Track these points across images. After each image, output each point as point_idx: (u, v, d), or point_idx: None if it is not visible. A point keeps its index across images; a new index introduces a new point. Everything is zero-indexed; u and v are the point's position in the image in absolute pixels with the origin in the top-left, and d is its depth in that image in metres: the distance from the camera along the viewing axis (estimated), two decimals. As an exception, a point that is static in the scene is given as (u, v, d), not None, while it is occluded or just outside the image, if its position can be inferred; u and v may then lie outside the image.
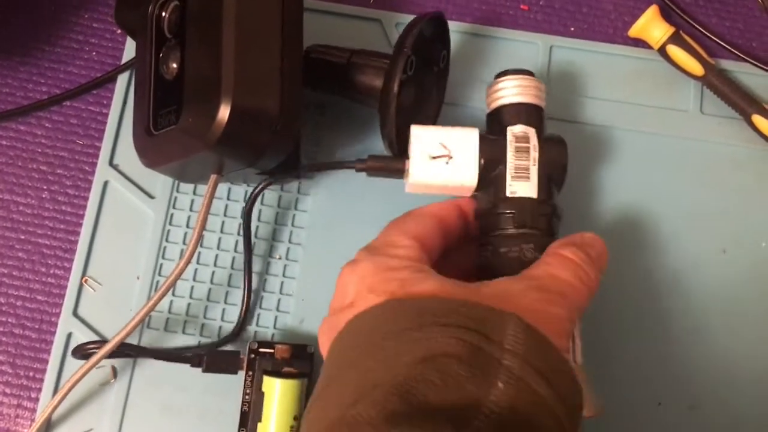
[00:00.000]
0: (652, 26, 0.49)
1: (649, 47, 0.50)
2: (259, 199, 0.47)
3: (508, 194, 0.40)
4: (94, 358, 0.41)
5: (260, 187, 0.45)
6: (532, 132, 0.41)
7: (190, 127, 0.38)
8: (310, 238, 0.47)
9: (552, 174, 0.41)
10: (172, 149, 0.40)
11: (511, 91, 0.42)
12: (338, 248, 0.46)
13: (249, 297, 0.45)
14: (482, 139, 0.41)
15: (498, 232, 0.40)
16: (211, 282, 0.46)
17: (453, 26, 0.49)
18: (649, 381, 0.45)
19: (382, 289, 0.35)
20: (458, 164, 0.41)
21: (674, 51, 0.48)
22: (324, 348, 0.36)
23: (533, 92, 0.42)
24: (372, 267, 0.36)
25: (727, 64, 0.50)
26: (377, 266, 0.36)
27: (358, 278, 0.36)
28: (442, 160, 0.41)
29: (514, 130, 0.41)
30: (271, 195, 0.47)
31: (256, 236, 0.47)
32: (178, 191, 0.47)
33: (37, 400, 0.44)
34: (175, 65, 0.40)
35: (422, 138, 0.41)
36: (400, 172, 0.42)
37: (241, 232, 0.47)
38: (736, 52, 0.49)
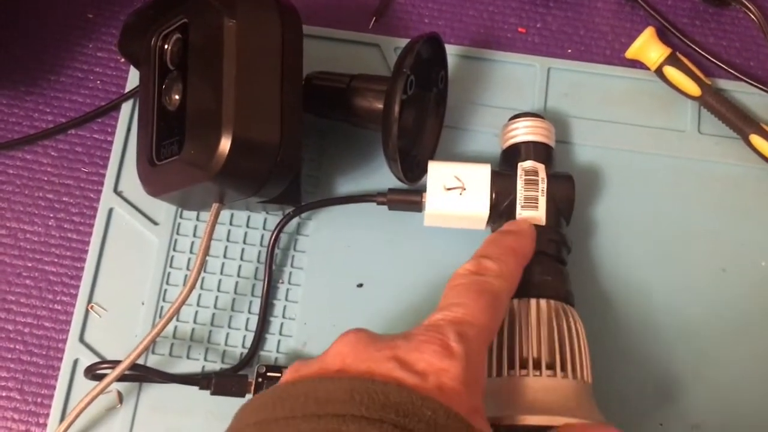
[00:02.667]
0: (648, 48, 0.49)
1: (646, 68, 0.50)
2: (260, 223, 0.48)
3: None
4: (106, 380, 0.41)
5: (282, 221, 0.47)
6: (541, 167, 0.44)
7: (192, 159, 0.38)
8: (312, 262, 0.47)
9: (560, 207, 0.43)
10: (175, 179, 0.41)
11: (522, 131, 0.45)
12: (340, 271, 0.47)
13: (263, 324, 0.46)
14: (494, 173, 0.44)
15: None
16: (215, 307, 0.47)
17: (451, 49, 0.50)
18: (650, 401, 0.45)
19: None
20: (471, 195, 0.44)
21: (671, 72, 0.49)
22: None
23: (543, 132, 0.45)
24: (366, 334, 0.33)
25: (725, 84, 0.50)
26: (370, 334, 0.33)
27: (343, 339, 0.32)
28: (456, 191, 0.43)
29: (524, 165, 0.44)
30: (273, 220, 0.48)
31: (258, 261, 0.47)
32: (181, 217, 0.48)
33: (45, 425, 0.45)
34: (177, 97, 0.41)
35: (438, 172, 0.44)
36: (418, 205, 0.45)
37: (244, 257, 0.47)
38: (733, 71, 0.50)
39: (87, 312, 0.46)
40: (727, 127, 0.49)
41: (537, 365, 0.39)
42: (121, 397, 0.45)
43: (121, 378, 0.42)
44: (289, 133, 0.39)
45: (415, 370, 0.30)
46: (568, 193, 0.44)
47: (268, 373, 0.44)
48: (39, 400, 0.45)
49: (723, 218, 0.48)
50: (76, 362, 0.45)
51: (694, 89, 0.49)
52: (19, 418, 0.45)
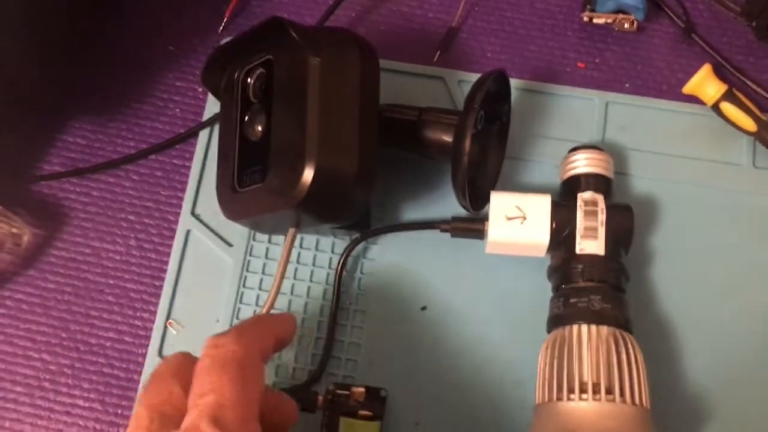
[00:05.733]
0: (705, 84, 0.51)
1: (702, 103, 0.52)
2: (329, 247, 0.50)
3: (577, 251, 0.44)
4: None
5: (350, 246, 0.49)
6: (600, 198, 0.45)
7: (275, 187, 0.41)
8: (378, 285, 0.49)
9: (619, 237, 0.44)
10: (256, 206, 0.43)
11: (582, 163, 0.47)
12: (404, 295, 0.49)
13: (331, 344, 0.48)
14: (554, 203, 0.45)
15: (569, 285, 0.44)
16: (285, 326, 0.49)
17: (513, 83, 0.52)
18: (708, 429, 0.46)
19: None
20: (532, 224, 0.45)
21: (727, 108, 0.50)
22: None
23: (602, 164, 0.47)
24: None
25: (780, 119, 0.52)
26: None
27: None
28: (517, 220, 0.45)
29: (584, 196, 0.45)
30: (340, 243, 0.50)
31: (326, 283, 0.49)
32: (254, 240, 0.50)
33: (124, 436, 0.47)
34: (260, 128, 0.44)
35: (500, 201, 0.46)
36: (480, 233, 0.47)
37: (313, 279, 0.50)
38: (788, 107, 0.51)
39: (165, 328, 0.49)
40: (782, 162, 0.50)
41: (596, 390, 0.40)
42: (197, 410, 0.47)
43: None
44: (366, 165, 0.41)
45: None
46: (627, 223, 0.45)
47: (338, 391, 0.46)
48: (119, 411, 0.48)
49: (778, 250, 0.49)
50: (154, 376, 0.48)
51: (750, 124, 0.50)
52: (100, 429, 0.48)
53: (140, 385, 0.48)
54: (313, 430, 0.45)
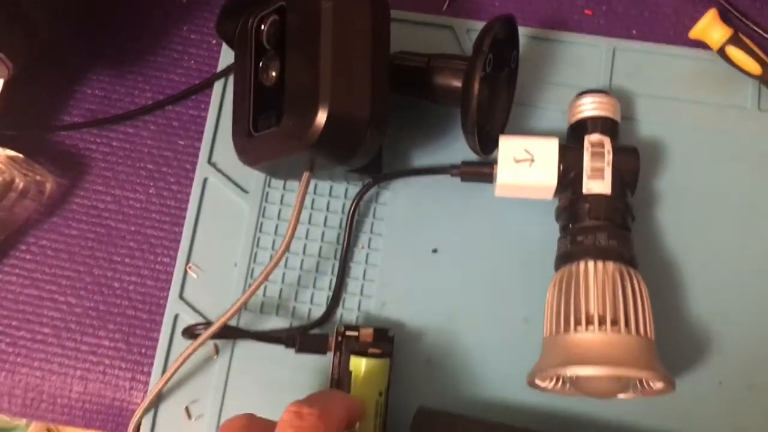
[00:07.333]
0: (711, 29, 0.51)
1: (709, 48, 0.52)
2: (342, 192, 0.52)
3: (584, 192, 0.45)
4: (200, 338, 0.46)
5: (363, 190, 0.50)
6: (606, 140, 0.46)
7: (290, 130, 0.42)
8: (390, 228, 0.51)
9: (625, 178, 0.46)
10: (272, 149, 0.44)
11: (589, 106, 0.48)
12: (416, 238, 0.51)
13: (341, 287, 0.50)
14: (562, 146, 0.47)
15: (576, 224, 0.45)
16: (301, 269, 0.51)
17: (521, 31, 0.52)
18: (710, 361, 0.48)
19: None
20: (540, 167, 0.46)
21: (733, 52, 0.51)
22: None
23: (609, 108, 0.48)
24: None
25: (785, 63, 0.52)
26: None
27: None
28: (526, 163, 0.46)
29: (591, 138, 0.47)
30: (353, 189, 0.52)
31: (340, 227, 0.51)
32: (269, 186, 0.52)
33: (149, 373, 0.49)
34: (274, 74, 0.45)
35: (509, 145, 0.47)
36: (489, 176, 0.48)
37: (327, 224, 0.51)
38: (793, 51, 0.52)
39: (185, 272, 0.51)
40: (787, 105, 0.51)
41: (602, 321, 0.42)
42: (217, 349, 0.49)
43: (216, 336, 0.46)
44: (378, 108, 0.43)
45: None
46: (633, 165, 0.46)
47: (347, 333, 0.47)
48: (143, 350, 0.50)
49: (781, 191, 0.50)
50: (176, 317, 0.50)
51: (755, 68, 0.51)
52: (125, 367, 0.50)
53: (162, 327, 0.49)
54: (325, 371, 0.47)
